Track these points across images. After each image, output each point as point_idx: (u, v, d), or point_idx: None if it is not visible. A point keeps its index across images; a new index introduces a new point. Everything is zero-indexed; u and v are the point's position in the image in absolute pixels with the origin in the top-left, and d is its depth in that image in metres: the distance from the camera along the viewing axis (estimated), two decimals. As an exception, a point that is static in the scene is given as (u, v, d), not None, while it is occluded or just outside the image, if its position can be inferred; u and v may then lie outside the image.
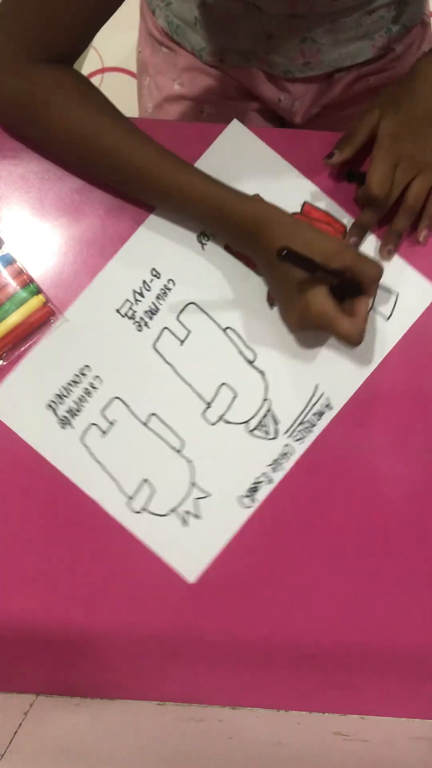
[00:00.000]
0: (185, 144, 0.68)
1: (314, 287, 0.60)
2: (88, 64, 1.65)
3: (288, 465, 0.67)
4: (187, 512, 0.67)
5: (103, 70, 1.64)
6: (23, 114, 0.63)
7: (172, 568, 0.67)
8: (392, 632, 0.67)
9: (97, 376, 0.67)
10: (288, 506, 0.68)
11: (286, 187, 0.68)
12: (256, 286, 0.68)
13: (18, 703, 0.66)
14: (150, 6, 0.88)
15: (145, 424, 0.67)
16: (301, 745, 0.62)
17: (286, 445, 0.67)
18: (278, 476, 0.67)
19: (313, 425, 0.67)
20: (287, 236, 0.60)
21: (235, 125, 0.69)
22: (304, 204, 0.69)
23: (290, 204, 0.67)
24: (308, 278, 0.60)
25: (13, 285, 0.68)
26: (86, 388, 0.67)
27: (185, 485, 0.67)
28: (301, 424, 0.67)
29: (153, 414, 0.67)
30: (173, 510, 0.67)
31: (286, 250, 0.54)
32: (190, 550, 0.67)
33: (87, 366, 0.67)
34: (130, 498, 0.67)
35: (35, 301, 0.67)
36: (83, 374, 0.67)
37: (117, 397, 0.67)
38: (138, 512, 0.67)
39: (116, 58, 1.63)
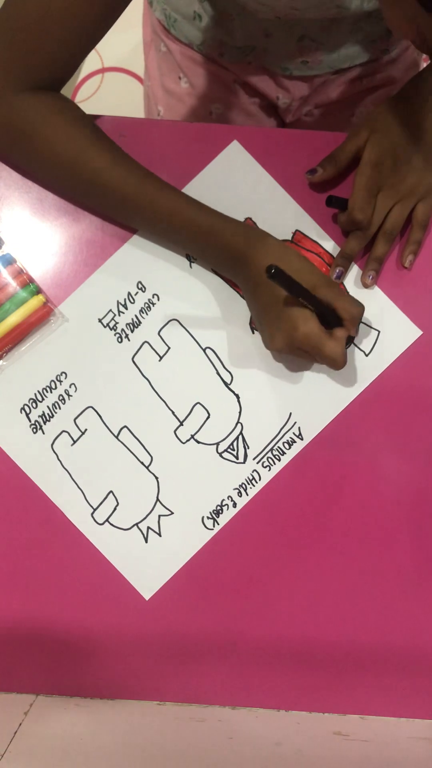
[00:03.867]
0: (189, 144, 0.70)
1: (301, 309, 0.62)
2: (88, 64, 1.65)
3: (253, 491, 0.69)
4: (149, 528, 0.68)
5: (103, 70, 1.65)
6: (11, 144, 0.65)
7: (129, 583, 0.68)
8: (392, 632, 0.67)
9: (73, 384, 0.69)
10: (285, 503, 0.68)
11: (279, 213, 0.70)
12: (240, 309, 0.69)
13: (18, 703, 0.66)
14: None
15: (115, 436, 0.69)
16: (301, 745, 0.63)
17: (254, 471, 0.69)
18: (242, 501, 0.68)
19: (283, 453, 0.69)
20: (276, 260, 0.61)
21: (235, 146, 0.71)
22: (296, 232, 0.70)
23: (282, 230, 0.69)
24: (295, 301, 0.61)
25: (13, 285, 0.68)
26: (61, 395, 0.69)
27: (150, 501, 0.69)
28: (270, 451, 0.69)
29: (125, 426, 0.69)
30: (136, 525, 0.68)
31: (275, 268, 0.56)
32: (148, 567, 0.69)
33: (64, 373, 0.69)
34: (95, 509, 0.68)
35: (35, 301, 0.68)
36: (59, 381, 0.69)
37: (90, 407, 0.69)
38: (101, 524, 0.68)
39: (116, 58, 1.64)
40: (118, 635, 0.68)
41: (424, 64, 0.93)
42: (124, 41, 1.55)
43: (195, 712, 0.67)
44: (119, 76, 1.65)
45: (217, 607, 0.68)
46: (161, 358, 0.69)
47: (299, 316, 0.61)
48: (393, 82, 0.89)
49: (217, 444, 0.69)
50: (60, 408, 0.69)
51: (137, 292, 0.70)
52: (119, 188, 0.63)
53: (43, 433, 0.69)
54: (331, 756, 0.62)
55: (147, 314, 0.69)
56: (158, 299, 0.69)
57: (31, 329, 0.69)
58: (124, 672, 0.69)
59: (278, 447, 0.69)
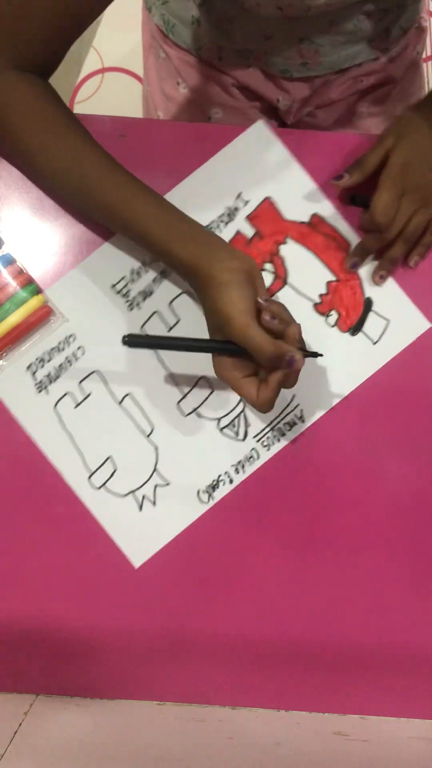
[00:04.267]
0: (189, 145, 0.71)
1: (221, 355, 0.61)
2: (88, 64, 1.65)
3: (250, 469, 0.69)
4: (144, 497, 0.68)
5: (103, 70, 1.65)
6: None
7: (120, 549, 0.68)
8: (392, 632, 0.67)
9: (81, 347, 0.69)
10: (285, 503, 0.68)
11: (298, 195, 0.71)
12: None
13: (18, 703, 0.66)
14: (147, 4, 0.88)
15: (118, 402, 0.69)
16: (301, 745, 0.63)
17: (253, 449, 0.69)
18: (239, 478, 0.69)
19: (283, 434, 0.69)
20: (210, 292, 0.59)
21: (259, 126, 0.72)
22: (313, 215, 0.71)
23: (300, 212, 0.70)
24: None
25: (13, 285, 0.68)
26: (68, 357, 0.69)
27: (147, 470, 0.68)
28: (271, 430, 0.69)
29: (128, 394, 0.69)
30: (132, 492, 0.68)
31: (128, 338, 0.58)
32: (141, 535, 0.68)
33: (73, 335, 0.69)
34: (92, 473, 0.68)
35: (35, 301, 0.68)
36: (68, 343, 0.69)
37: (96, 371, 0.69)
38: (98, 488, 0.68)
39: (116, 58, 1.64)
40: (119, 635, 0.68)
41: (424, 65, 0.93)
42: (124, 41, 1.56)
43: (195, 712, 0.67)
44: (119, 76, 1.65)
45: (216, 607, 0.68)
46: (170, 328, 0.69)
47: (217, 361, 0.61)
48: (393, 80, 0.90)
49: (219, 419, 0.69)
50: (66, 370, 0.68)
51: (152, 262, 0.70)
52: (79, 178, 0.62)
53: (47, 393, 0.68)
54: (331, 756, 0.61)
55: (160, 284, 0.69)
56: (171, 270, 0.69)
57: (31, 329, 0.69)
58: (124, 672, 0.68)
59: (279, 427, 0.69)
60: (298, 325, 0.59)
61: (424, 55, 0.96)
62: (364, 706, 0.68)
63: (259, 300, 0.59)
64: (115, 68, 1.66)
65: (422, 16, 0.90)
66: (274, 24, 0.77)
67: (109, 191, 0.62)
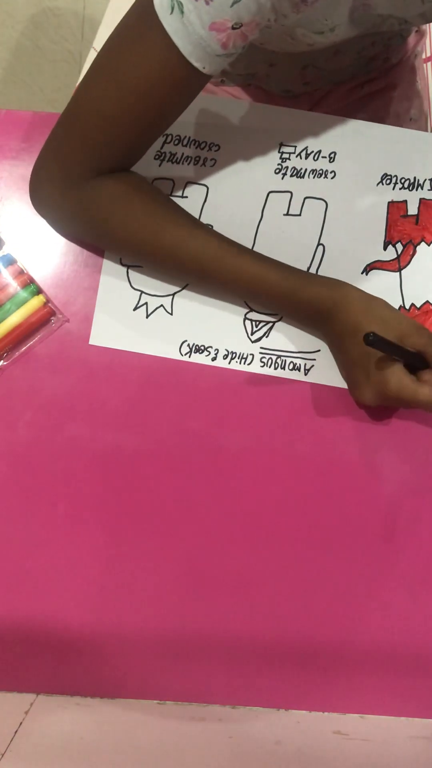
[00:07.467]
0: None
1: (392, 364, 0.61)
2: (88, 64, 1.64)
3: (234, 365, 0.70)
4: (147, 304, 0.70)
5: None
6: (87, 227, 0.66)
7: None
8: (392, 631, 0.67)
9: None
10: (285, 503, 0.68)
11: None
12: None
13: (18, 702, 0.66)
14: None
15: None
16: (301, 744, 0.63)
17: (251, 354, 0.70)
18: (220, 363, 0.70)
19: (282, 368, 0.70)
20: (363, 315, 0.62)
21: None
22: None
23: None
24: (385, 356, 0.61)
25: (13, 285, 0.68)
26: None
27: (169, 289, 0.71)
28: (278, 357, 0.70)
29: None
30: (144, 293, 0.71)
31: (373, 335, 0.56)
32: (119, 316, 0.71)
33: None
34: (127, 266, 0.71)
35: (36, 301, 0.68)
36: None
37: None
38: (122, 265, 0.71)
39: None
40: (119, 635, 0.68)
41: (424, 66, 0.93)
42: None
43: (195, 712, 0.67)
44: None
45: (217, 607, 0.68)
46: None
47: (388, 370, 0.61)
48: (394, 86, 0.90)
49: (250, 310, 0.70)
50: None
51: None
52: (197, 261, 0.64)
53: None
54: (331, 755, 0.62)
55: None
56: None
57: (32, 329, 0.69)
58: (125, 671, 0.68)
59: (285, 359, 0.69)
60: None
61: (423, 56, 0.97)
62: (364, 705, 0.68)
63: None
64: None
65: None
66: (280, 53, 0.78)
67: (228, 259, 0.63)
